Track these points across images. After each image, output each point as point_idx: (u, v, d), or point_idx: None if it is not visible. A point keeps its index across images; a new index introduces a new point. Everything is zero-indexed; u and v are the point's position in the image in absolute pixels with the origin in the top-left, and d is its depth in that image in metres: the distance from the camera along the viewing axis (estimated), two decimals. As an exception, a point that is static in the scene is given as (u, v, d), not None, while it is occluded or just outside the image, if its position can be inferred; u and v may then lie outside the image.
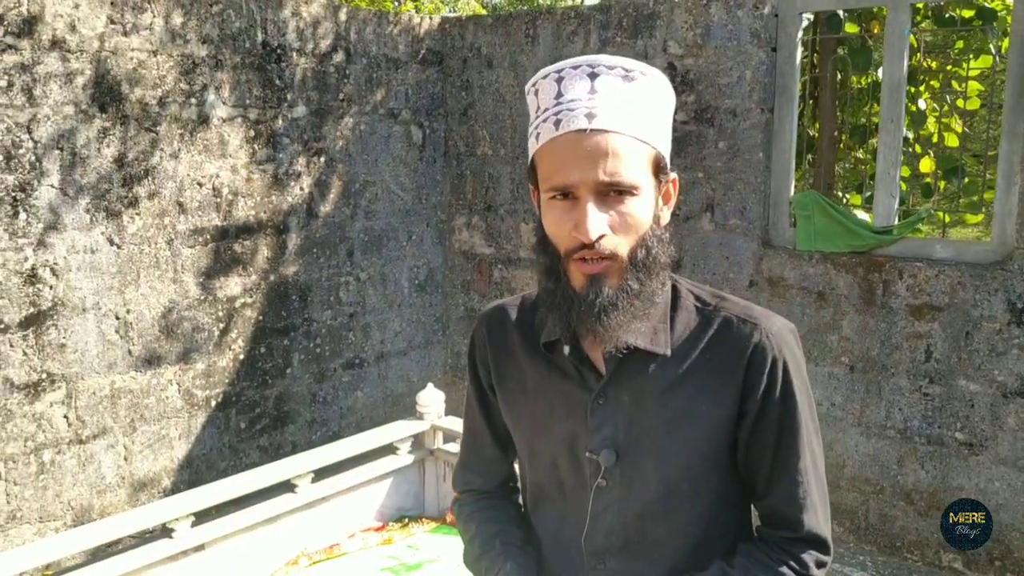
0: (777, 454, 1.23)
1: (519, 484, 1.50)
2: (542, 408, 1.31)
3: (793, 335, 1.26)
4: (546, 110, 1.17)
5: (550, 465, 1.32)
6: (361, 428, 4.70)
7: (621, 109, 1.14)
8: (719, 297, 1.28)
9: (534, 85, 1.22)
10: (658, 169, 1.19)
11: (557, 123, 1.15)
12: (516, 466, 1.50)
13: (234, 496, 2.63)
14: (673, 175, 1.23)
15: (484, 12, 10.76)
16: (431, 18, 5.20)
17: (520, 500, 1.50)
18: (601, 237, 1.13)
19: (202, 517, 2.63)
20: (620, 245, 1.15)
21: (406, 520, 3.11)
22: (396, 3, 7.91)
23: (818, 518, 1.24)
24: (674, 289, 1.28)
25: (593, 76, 1.16)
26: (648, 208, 1.17)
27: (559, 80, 1.17)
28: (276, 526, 2.77)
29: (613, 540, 1.27)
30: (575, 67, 1.17)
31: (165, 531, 2.49)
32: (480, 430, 1.47)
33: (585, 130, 1.12)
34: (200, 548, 2.55)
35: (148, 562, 2.42)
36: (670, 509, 1.25)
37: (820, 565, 1.25)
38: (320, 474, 2.92)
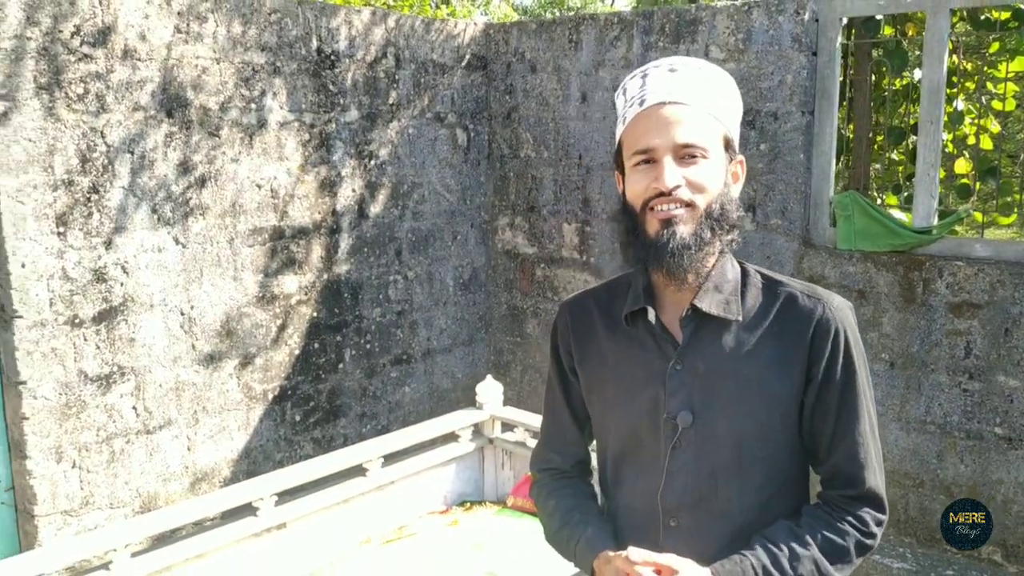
0: (840, 417, 1.38)
1: (594, 465, 1.63)
2: (624, 379, 1.46)
3: (851, 311, 1.42)
4: (632, 97, 1.39)
5: (630, 432, 1.46)
6: (408, 422, 4.84)
7: (695, 90, 1.36)
8: (783, 277, 1.45)
9: (623, 86, 1.44)
10: (727, 146, 1.39)
11: (642, 102, 1.37)
12: (592, 451, 1.63)
13: (313, 478, 2.78)
14: (740, 157, 1.43)
15: (516, 16, 10.90)
16: (475, 24, 5.35)
17: (593, 482, 1.64)
18: (677, 187, 1.32)
19: (281, 499, 2.78)
20: (697, 198, 1.34)
21: (469, 504, 3.25)
22: (434, 7, 8.06)
23: (877, 477, 1.40)
24: (743, 268, 1.45)
25: (672, 70, 1.38)
26: (719, 173, 1.37)
27: (644, 76, 1.40)
28: (349, 507, 2.92)
29: (687, 497, 1.40)
30: (656, 66, 1.41)
31: (250, 509, 2.64)
32: (560, 410, 1.61)
33: (665, 103, 1.34)
34: (282, 526, 2.70)
35: (235, 538, 2.58)
36: (740, 468, 1.39)
37: (879, 524, 1.40)
38: (387, 461, 3.06)
